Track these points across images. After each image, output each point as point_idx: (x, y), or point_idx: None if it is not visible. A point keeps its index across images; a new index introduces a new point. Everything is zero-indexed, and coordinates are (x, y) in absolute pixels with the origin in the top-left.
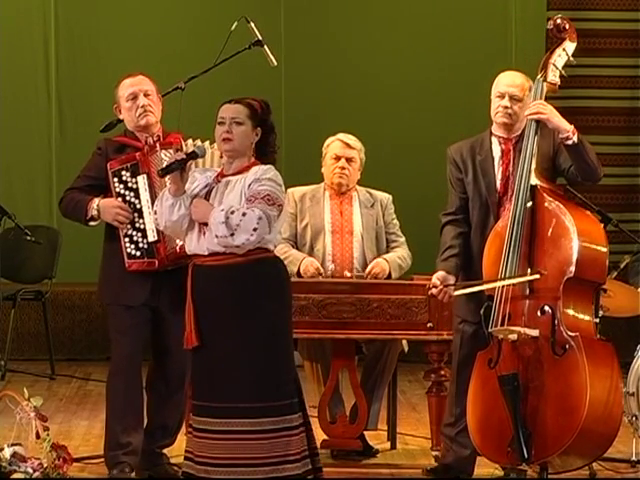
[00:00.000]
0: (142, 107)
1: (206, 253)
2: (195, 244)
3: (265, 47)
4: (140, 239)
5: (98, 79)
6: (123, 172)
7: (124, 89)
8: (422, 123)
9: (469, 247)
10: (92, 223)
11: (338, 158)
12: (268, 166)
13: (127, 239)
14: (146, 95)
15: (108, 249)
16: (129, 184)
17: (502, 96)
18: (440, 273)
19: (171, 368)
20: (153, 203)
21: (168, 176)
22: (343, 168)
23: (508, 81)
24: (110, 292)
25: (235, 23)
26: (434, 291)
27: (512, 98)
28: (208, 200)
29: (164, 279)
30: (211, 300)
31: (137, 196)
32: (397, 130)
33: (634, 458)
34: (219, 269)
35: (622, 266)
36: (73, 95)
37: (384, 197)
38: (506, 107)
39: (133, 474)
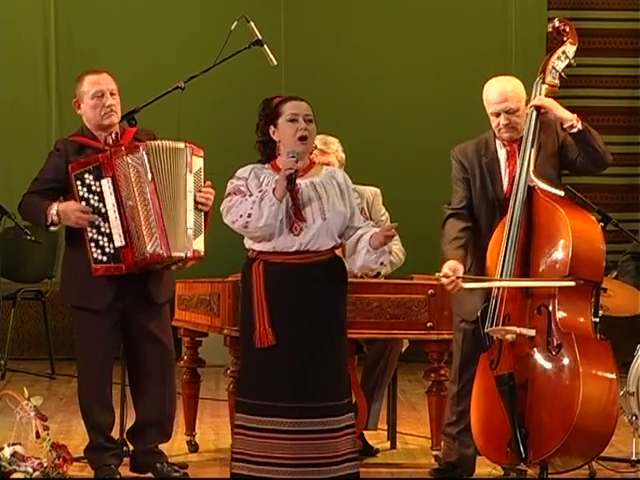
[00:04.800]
0: (108, 107)
1: (292, 250)
2: (282, 241)
3: (265, 47)
4: (106, 244)
5: None
6: (86, 175)
7: (90, 85)
8: (422, 122)
9: (479, 247)
10: (52, 228)
11: None
12: (341, 171)
13: (93, 244)
14: (112, 94)
15: (70, 252)
16: (93, 187)
17: (498, 114)
18: (452, 263)
19: (146, 365)
20: (119, 207)
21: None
22: None
23: (498, 97)
24: (74, 295)
25: (235, 23)
26: (445, 281)
27: (509, 112)
28: (298, 199)
29: (128, 280)
30: (290, 298)
31: (102, 200)
32: (397, 129)
33: (634, 458)
34: (303, 267)
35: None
36: (73, 95)
37: (370, 193)
38: (506, 124)
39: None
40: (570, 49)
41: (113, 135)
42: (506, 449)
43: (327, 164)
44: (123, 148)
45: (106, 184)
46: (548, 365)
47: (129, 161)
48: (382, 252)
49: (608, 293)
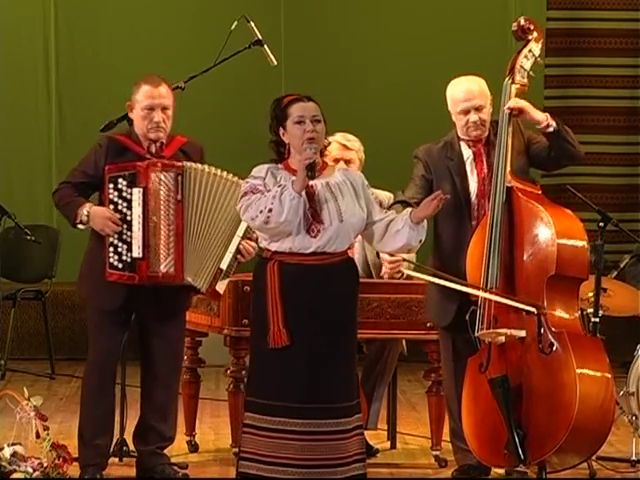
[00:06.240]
0: (155, 123)
1: (308, 252)
2: (300, 242)
3: (265, 47)
4: (124, 251)
5: (98, 79)
6: (120, 180)
7: (143, 97)
8: (422, 122)
9: (443, 250)
10: (80, 226)
11: (337, 160)
12: (354, 170)
13: (112, 248)
14: (163, 110)
15: (92, 249)
16: (123, 193)
17: (467, 112)
18: None
19: (158, 369)
20: (144, 219)
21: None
22: None
23: (466, 95)
24: (88, 291)
25: (235, 23)
26: (388, 258)
27: (477, 109)
28: (314, 200)
29: (142, 287)
30: (304, 299)
31: (129, 207)
32: (397, 129)
33: (634, 458)
34: (318, 268)
35: (622, 266)
36: (73, 95)
37: (385, 197)
38: (475, 122)
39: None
40: (536, 47)
41: (158, 144)
42: (503, 452)
43: (348, 161)
44: (159, 164)
45: (137, 193)
46: (543, 365)
47: (162, 177)
48: (423, 228)
49: (608, 293)
